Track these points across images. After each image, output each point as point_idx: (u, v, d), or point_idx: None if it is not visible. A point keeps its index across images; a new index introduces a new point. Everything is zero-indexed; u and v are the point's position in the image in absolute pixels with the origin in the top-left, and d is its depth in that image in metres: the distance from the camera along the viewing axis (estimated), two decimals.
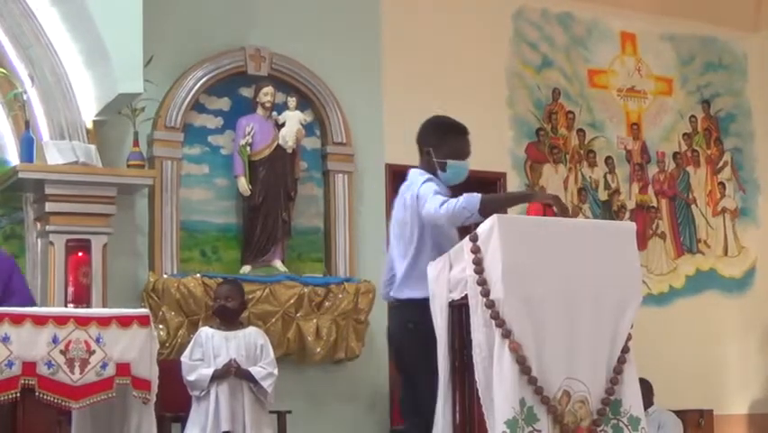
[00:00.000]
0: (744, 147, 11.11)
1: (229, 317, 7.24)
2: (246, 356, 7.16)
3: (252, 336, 7.26)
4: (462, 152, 5.05)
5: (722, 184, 10.95)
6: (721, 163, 10.99)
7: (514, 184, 9.69)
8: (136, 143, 8.03)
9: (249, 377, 7.04)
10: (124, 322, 6.28)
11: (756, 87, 11.16)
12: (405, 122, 9.16)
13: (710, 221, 10.82)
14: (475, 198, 4.73)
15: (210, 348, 7.14)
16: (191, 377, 7.06)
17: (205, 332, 7.23)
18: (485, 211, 4.60)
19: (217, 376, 6.97)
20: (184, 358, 7.13)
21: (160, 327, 7.76)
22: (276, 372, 7.16)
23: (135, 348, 6.32)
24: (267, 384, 7.09)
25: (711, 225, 10.82)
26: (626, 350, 4.43)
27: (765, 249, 10.97)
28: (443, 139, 5.07)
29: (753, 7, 11.15)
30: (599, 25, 10.45)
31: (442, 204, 4.80)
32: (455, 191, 5.06)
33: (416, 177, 5.11)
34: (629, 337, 4.44)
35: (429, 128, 5.11)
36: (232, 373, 6.98)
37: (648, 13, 10.64)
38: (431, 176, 5.05)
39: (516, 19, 10.04)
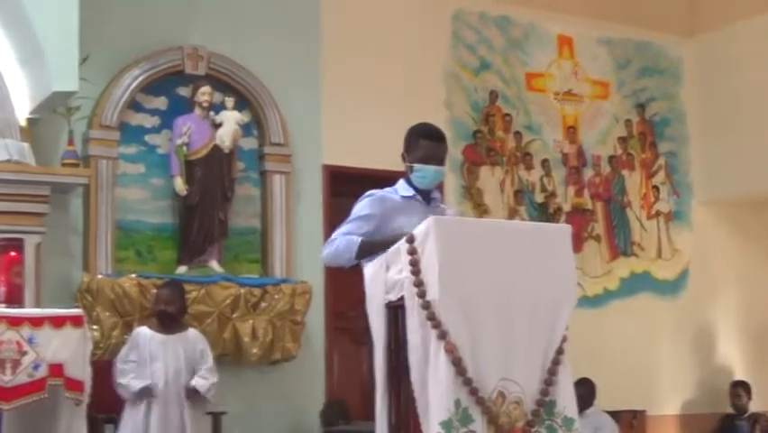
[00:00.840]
0: (678, 151, 11.22)
1: (169, 322, 7.22)
2: (186, 362, 7.17)
3: (192, 340, 7.25)
4: (429, 157, 5.06)
5: (656, 187, 11.06)
6: (656, 167, 11.10)
7: (451, 186, 9.72)
8: (71, 142, 7.95)
9: (194, 394, 7.07)
10: (57, 322, 6.21)
11: (690, 91, 11.28)
12: (343, 123, 9.22)
13: (645, 224, 10.93)
14: (354, 242, 4.88)
15: (147, 351, 7.10)
16: (122, 380, 7.02)
17: (143, 333, 7.18)
18: (360, 255, 4.74)
19: (140, 395, 6.96)
20: (117, 360, 7.08)
21: (94, 327, 7.68)
22: (216, 378, 7.18)
23: (68, 349, 6.26)
24: (210, 395, 7.14)
25: (645, 227, 10.92)
26: (560, 351, 4.45)
27: (698, 252, 11.10)
28: (414, 143, 5.10)
29: (687, 12, 11.28)
30: (537, 29, 10.52)
31: (328, 244, 5.02)
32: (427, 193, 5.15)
33: (370, 193, 5.14)
34: (564, 339, 4.46)
35: (407, 133, 5.14)
36: (153, 396, 6.96)
37: (585, 17, 10.72)
38: (368, 197, 5.07)
39: (454, 21, 10.07)
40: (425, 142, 5.07)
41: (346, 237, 4.96)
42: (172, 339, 7.18)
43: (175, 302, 7.27)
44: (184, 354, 7.20)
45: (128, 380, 7.01)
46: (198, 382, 7.14)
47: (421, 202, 5.11)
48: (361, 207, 5.06)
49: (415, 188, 5.13)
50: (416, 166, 5.06)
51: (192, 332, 7.36)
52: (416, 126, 5.19)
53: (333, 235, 5.06)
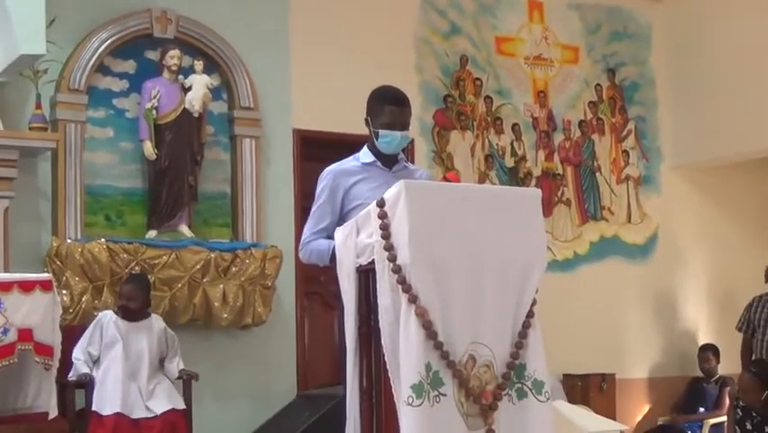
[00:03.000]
0: (647, 116, 11.25)
1: (131, 316, 7.29)
2: (158, 347, 7.36)
3: (157, 326, 7.39)
4: (394, 123, 5.04)
5: (626, 152, 11.08)
6: (625, 132, 11.12)
7: (422, 151, 9.72)
8: (39, 106, 7.89)
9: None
10: (26, 287, 6.19)
11: (660, 56, 11.30)
12: (313, 87, 9.19)
13: (614, 189, 10.96)
14: (324, 252, 4.92)
15: (109, 336, 7.18)
16: (74, 361, 7.10)
17: (108, 318, 7.24)
18: (333, 261, 4.69)
19: (78, 378, 7.02)
20: (78, 347, 7.14)
21: (64, 292, 7.66)
22: (182, 365, 7.45)
23: (38, 313, 6.25)
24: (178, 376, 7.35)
25: (615, 192, 10.96)
26: (530, 315, 4.46)
27: (667, 216, 11.15)
28: (378, 109, 5.07)
29: None
30: None
31: (301, 247, 5.09)
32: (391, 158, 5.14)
33: (325, 172, 5.13)
34: (534, 302, 4.47)
35: (370, 97, 5.11)
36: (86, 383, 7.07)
37: None
38: (324, 176, 5.07)
39: None
40: (389, 107, 5.05)
41: (316, 245, 4.99)
42: (135, 326, 7.25)
43: (138, 298, 7.36)
44: (157, 341, 7.33)
45: (79, 364, 7.07)
46: (171, 370, 7.37)
47: (381, 168, 5.10)
48: (320, 190, 5.09)
49: (376, 154, 5.11)
50: (382, 132, 5.04)
51: (155, 318, 7.45)
52: (379, 91, 5.15)
53: (304, 235, 5.09)
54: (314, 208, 5.10)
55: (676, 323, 11.08)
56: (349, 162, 5.15)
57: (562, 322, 9.65)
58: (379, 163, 5.10)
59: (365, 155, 5.13)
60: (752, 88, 10.43)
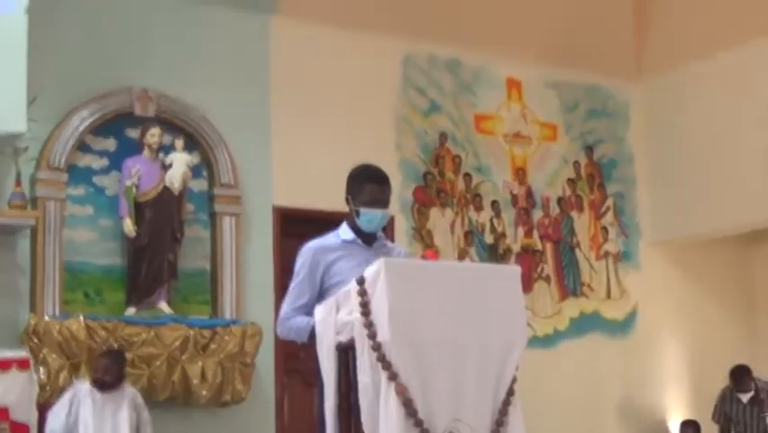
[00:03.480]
0: (626, 192, 11.31)
1: (106, 390, 7.28)
2: (131, 419, 7.31)
3: (131, 397, 7.37)
4: (374, 201, 5.04)
5: (605, 228, 11.13)
6: (604, 208, 11.18)
7: (401, 228, 9.74)
8: (18, 183, 7.88)
9: None
10: (3, 365, 6.15)
11: (638, 133, 11.39)
12: (293, 164, 9.22)
13: (593, 264, 10.98)
14: (303, 330, 4.85)
15: (82, 407, 7.13)
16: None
17: (84, 390, 7.22)
18: (312, 340, 4.70)
19: None
20: (52, 414, 7.09)
21: (41, 369, 7.60)
22: None
23: (14, 392, 6.20)
24: None
25: (594, 268, 10.98)
26: (511, 392, 4.45)
27: (646, 292, 11.17)
28: (359, 187, 5.08)
29: (633, 56, 11.40)
30: (486, 72, 10.58)
31: (279, 324, 5.04)
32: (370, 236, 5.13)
33: (305, 248, 5.13)
34: (514, 379, 4.46)
35: (349, 176, 5.12)
36: None
37: (533, 60, 10.81)
38: (303, 253, 5.07)
39: (404, 64, 10.12)
40: (370, 185, 5.05)
41: (295, 322, 4.95)
42: (110, 398, 7.23)
43: (113, 372, 7.36)
44: (121, 411, 7.31)
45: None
46: None
47: (361, 245, 5.09)
48: (299, 266, 5.06)
49: (356, 231, 5.12)
50: (363, 210, 5.04)
51: (129, 391, 7.42)
52: (359, 169, 5.17)
53: (282, 311, 5.06)
54: (292, 285, 5.09)
55: (657, 399, 11.04)
56: (329, 239, 5.15)
57: (543, 399, 9.61)
58: (359, 241, 5.10)
59: (345, 232, 5.13)
60: (729, 165, 10.53)
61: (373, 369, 4.20)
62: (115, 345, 7.81)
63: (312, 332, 4.67)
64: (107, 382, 7.29)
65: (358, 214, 5.05)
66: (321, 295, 4.93)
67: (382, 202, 5.06)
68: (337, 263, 5.03)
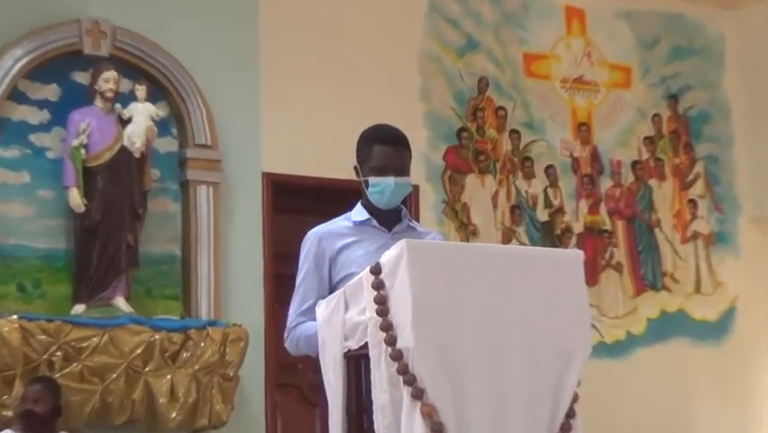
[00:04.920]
0: (720, 155, 11.30)
1: (36, 426, 7.26)
2: None
3: None
4: (386, 166, 5.03)
5: (693, 202, 11.12)
6: (692, 176, 11.17)
7: (428, 202, 9.73)
8: None
9: None
10: None
11: (736, 78, 11.36)
12: (288, 120, 9.22)
13: (678, 249, 10.98)
14: (314, 341, 4.80)
15: None
16: None
17: None
18: None
19: None
20: None
21: None
22: None
23: None
24: None
25: (680, 254, 10.98)
26: (571, 414, 4.45)
27: (747, 285, 11.15)
28: (366, 152, 5.08)
29: None
30: None
31: (287, 334, 5.07)
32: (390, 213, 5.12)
33: (308, 235, 5.14)
34: (575, 398, 4.46)
35: (358, 141, 5.12)
36: None
37: None
38: (306, 242, 5.08)
39: None
40: (378, 147, 5.05)
41: (304, 330, 4.96)
42: None
43: (46, 401, 7.34)
44: None
45: None
46: None
47: (378, 228, 5.08)
48: (303, 258, 5.09)
49: (371, 211, 5.11)
50: (372, 180, 5.05)
51: None
52: (368, 130, 5.18)
53: (289, 319, 5.07)
54: (297, 282, 5.11)
55: (759, 423, 11.04)
56: (338, 222, 5.16)
57: (613, 423, 9.62)
58: (374, 222, 5.10)
59: (358, 213, 5.14)
60: None
61: (393, 384, 4.20)
62: (60, 355, 7.83)
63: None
64: (38, 413, 7.26)
65: (366, 185, 5.06)
66: (332, 292, 4.94)
67: (395, 167, 5.05)
68: (347, 251, 5.03)
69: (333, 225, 5.15)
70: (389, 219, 5.13)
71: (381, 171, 5.03)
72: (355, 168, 5.13)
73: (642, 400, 10.37)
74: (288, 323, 5.09)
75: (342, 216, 5.19)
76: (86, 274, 8.34)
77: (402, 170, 5.08)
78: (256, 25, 9.29)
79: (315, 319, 4.90)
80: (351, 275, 4.77)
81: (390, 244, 4.51)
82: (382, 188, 5.04)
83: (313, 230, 5.15)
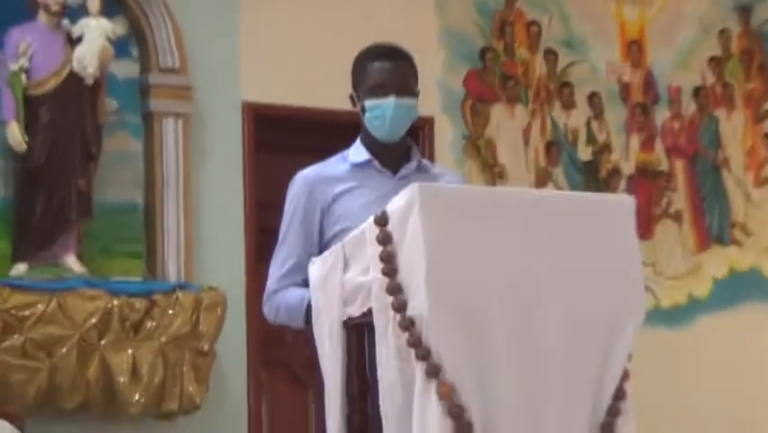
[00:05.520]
0: None
1: None
2: None
3: None
4: (384, 84, 5.03)
5: None
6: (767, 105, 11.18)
7: (445, 136, 9.74)
8: None
9: None
10: None
11: None
12: (273, 39, 9.22)
13: (751, 194, 10.99)
14: (296, 310, 4.94)
15: None
16: None
17: None
18: (310, 322, 4.73)
19: None
20: None
21: None
22: None
23: None
24: None
25: (753, 200, 10.99)
26: (620, 395, 4.46)
27: None
28: (361, 72, 5.08)
29: None
30: None
31: (269, 295, 5.12)
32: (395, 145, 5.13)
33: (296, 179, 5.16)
34: (625, 376, 4.48)
35: (353, 63, 5.12)
36: None
37: None
38: (292, 187, 5.09)
39: None
40: (374, 64, 5.06)
41: (285, 297, 5.01)
42: None
43: None
44: None
45: None
46: None
47: (380, 170, 5.08)
48: (288, 207, 5.12)
49: (373, 150, 5.11)
50: (368, 103, 5.04)
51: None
52: (363, 50, 5.18)
53: (269, 282, 5.11)
54: (280, 237, 5.12)
55: None
56: (333, 164, 5.16)
57: (671, 403, 9.66)
58: (376, 163, 5.10)
59: (356, 152, 5.13)
60: None
61: (402, 359, 4.22)
62: None
63: (309, 310, 4.70)
64: None
65: (363, 111, 5.06)
66: (322, 251, 4.95)
67: (396, 85, 5.05)
68: (343, 199, 5.04)
69: (327, 168, 5.15)
70: (395, 159, 5.12)
71: (379, 91, 5.02)
72: (351, 96, 5.13)
73: (706, 376, 10.41)
74: (267, 286, 5.13)
75: (338, 156, 5.19)
76: (29, 227, 8.37)
77: (404, 87, 5.06)
78: None
79: (300, 284, 4.93)
80: (349, 229, 4.76)
81: (396, 191, 4.49)
82: (382, 111, 5.03)
83: (302, 173, 5.15)
